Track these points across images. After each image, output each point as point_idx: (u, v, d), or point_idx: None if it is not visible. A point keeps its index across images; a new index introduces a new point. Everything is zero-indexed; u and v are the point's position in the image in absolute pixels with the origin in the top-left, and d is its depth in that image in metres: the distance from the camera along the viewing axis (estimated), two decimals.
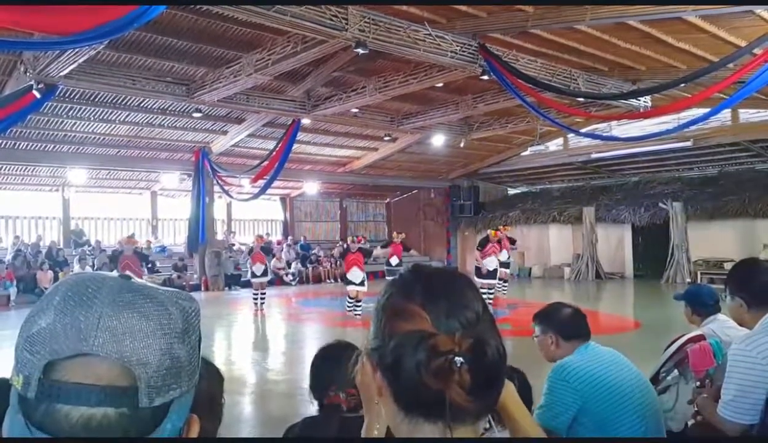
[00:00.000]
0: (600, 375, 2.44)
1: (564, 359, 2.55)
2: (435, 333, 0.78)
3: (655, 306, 13.12)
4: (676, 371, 3.20)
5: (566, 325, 2.63)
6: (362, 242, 12.72)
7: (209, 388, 1.59)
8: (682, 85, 10.60)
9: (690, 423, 2.92)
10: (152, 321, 0.64)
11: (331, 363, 2.04)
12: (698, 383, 2.96)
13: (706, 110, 10.94)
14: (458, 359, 0.76)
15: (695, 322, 3.52)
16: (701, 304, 3.50)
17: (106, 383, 0.61)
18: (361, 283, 11.54)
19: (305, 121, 15.10)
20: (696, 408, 2.77)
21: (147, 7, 6.42)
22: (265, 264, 13.37)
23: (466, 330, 0.79)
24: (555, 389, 2.47)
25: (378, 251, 13.63)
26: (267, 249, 13.98)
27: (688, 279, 16.69)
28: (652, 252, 18.74)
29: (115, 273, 0.71)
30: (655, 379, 3.20)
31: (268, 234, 22.45)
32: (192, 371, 0.68)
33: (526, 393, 2.30)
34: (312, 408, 2.11)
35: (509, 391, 1.30)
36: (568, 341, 2.60)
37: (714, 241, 16.64)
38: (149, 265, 11.71)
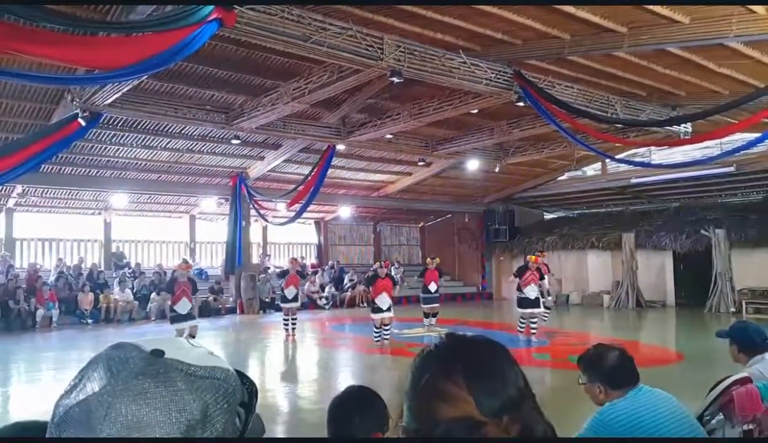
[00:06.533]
0: (647, 421, 2.39)
1: (612, 402, 2.49)
2: (484, 422, 0.77)
3: (698, 337, 12.71)
4: (721, 415, 3.08)
5: (612, 374, 2.55)
6: (389, 267, 12.69)
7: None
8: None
9: None
10: (163, 414, 0.62)
11: (348, 417, 2.01)
12: (746, 426, 2.84)
13: (752, 135, 10.66)
14: None
15: (741, 360, 3.38)
16: (748, 342, 3.36)
17: None
18: (388, 310, 11.53)
19: (340, 147, 15.26)
20: None
21: (190, 39, 6.60)
22: (297, 289, 13.28)
23: (512, 412, 0.79)
24: (596, 430, 2.43)
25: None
26: (302, 273, 13.97)
27: (732, 309, 16.17)
28: (695, 280, 18.21)
29: (147, 346, 0.67)
30: (699, 422, 3.09)
31: (302, 257, 22.60)
32: None
33: None
34: None
35: None
36: (615, 390, 2.53)
37: (760, 270, 16.07)
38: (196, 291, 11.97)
